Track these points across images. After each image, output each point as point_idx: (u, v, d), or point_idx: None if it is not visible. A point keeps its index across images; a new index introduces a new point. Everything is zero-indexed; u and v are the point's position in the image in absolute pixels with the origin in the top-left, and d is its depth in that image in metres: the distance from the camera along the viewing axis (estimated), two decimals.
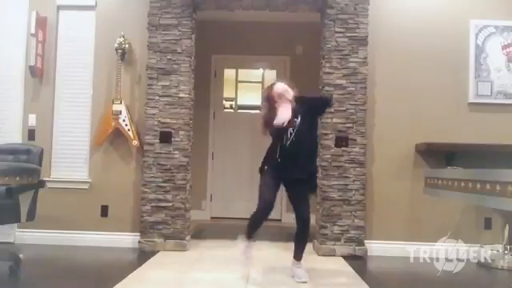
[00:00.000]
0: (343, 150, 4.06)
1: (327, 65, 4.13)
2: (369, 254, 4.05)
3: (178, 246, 4.05)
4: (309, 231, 3.15)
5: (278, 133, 3.06)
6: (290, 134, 3.03)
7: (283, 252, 4.06)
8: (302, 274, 3.13)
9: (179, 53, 4.15)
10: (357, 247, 4.02)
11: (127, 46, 4.22)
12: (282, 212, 5.65)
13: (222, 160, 6.04)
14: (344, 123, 4.08)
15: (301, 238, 3.15)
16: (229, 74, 6.26)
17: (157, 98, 4.14)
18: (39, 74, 4.28)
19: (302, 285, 3.06)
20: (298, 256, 3.17)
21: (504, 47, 4.26)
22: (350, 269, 3.58)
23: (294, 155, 3.04)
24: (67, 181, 4.28)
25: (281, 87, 3.12)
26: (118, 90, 4.20)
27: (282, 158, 3.06)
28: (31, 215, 3.46)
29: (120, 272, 3.23)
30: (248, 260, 3.13)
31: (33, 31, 4.18)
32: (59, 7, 4.38)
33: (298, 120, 3.04)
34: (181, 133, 4.12)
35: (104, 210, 4.24)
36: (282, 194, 5.51)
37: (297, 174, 3.08)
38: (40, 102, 4.32)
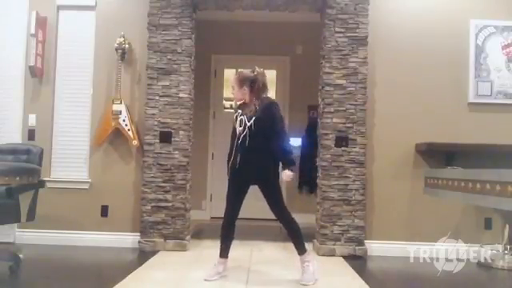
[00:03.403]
0: (343, 150, 4.06)
1: (327, 65, 4.13)
2: (369, 254, 4.05)
3: (178, 246, 4.05)
4: (293, 224, 3.12)
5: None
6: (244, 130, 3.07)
7: (283, 252, 4.06)
8: (308, 277, 3.07)
9: (179, 53, 4.15)
10: (357, 247, 4.02)
11: (127, 45, 4.22)
12: None
13: (222, 160, 5.99)
14: (344, 123, 4.08)
15: (290, 233, 3.14)
16: (229, 74, 6.25)
17: (157, 98, 4.14)
18: (39, 74, 4.28)
19: (303, 286, 3.05)
20: (298, 251, 3.14)
21: (504, 47, 4.26)
22: (350, 269, 3.58)
23: (247, 154, 3.07)
24: (67, 181, 4.28)
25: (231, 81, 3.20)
26: (118, 90, 4.20)
27: (236, 157, 3.09)
28: (31, 215, 3.46)
29: (120, 272, 3.23)
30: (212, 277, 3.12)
31: (33, 31, 4.18)
32: (59, 7, 4.38)
33: (252, 120, 3.05)
34: (181, 133, 4.13)
35: (104, 210, 4.24)
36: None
37: (251, 175, 3.10)
38: (40, 101, 4.32)
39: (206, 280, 3.09)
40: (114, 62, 4.24)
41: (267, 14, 4.55)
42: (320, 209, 4.12)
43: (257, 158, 3.06)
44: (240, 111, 3.15)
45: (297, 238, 3.14)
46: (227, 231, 3.19)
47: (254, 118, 3.04)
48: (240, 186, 3.16)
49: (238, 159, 3.09)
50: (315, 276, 3.09)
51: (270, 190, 3.12)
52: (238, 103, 3.22)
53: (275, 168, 3.13)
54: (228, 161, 3.20)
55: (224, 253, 3.21)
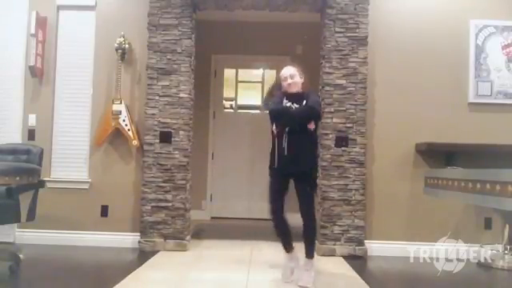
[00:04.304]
0: (343, 150, 4.07)
1: (327, 65, 4.13)
2: (369, 254, 4.05)
3: (178, 246, 4.06)
4: (312, 227, 3.13)
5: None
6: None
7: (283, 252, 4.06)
8: (306, 279, 3.06)
9: (179, 53, 4.15)
10: (357, 247, 4.02)
11: (127, 46, 4.22)
12: None
13: (222, 160, 6.04)
14: (344, 123, 4.08)
15: (305, 233, 3.12)
16: (229, 74, 6.27)
17: (157, 98, 4.14)
18: (39, 74, 4.28)
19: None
20: (306, 253, 3.13)
21: (504, 47, 4.26)
22: (350, 269, 3.58)
23: (290, 147, 3.05)
24: (67, 181, 4.28)
25: (287, 72, 3.17)
26: (118, 90, 4.20)
27: (281, 151, 3.07)
28: (31, 215, 3.46)
29: (120, 272, 3.23)
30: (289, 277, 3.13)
31: (33, 31, 4.18)
32: (59, 7, 4.38)
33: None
34: (181, 133, 4.13)
35: (104, 210, 4.24)
36: None
37: (291, 169, 3.08)
38: (40, 101, 4.33)
39: (285, 282, 3.09)
40: (114, 62, 4.25)
41: (267, 14, 4.55)
42: (320, 209, 4.12)
43: (304, 149, 3.08)
44: (286, 99, 3.13)
45: (312, 240, 3.15)
46: (280, 226, 3.15)
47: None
48: (284, 180, 3.16)
49: (286, 150, 3.06)
50: (312, 283, 3.07)
51: (307, 184, 3.13)
52: (291, 92, 3.15)
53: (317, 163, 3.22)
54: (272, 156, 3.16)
55: (288, 247, 3.18)
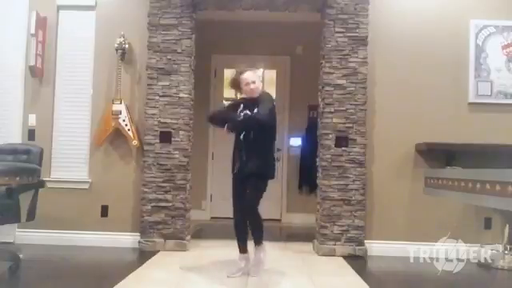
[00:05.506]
0: (343, 150, 4.07)
1: (327, 65, 4.13)
2: (369, 254, 4.05)
3: (178, 245, 4.06)
4: (252, 218, 3.21)
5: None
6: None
7: (283, 252, 4.06)
8: (258, 270, 3.22)
9: (179, 53, 4.15)
10: (357, 247, 4.02)
11: (127, 46, 4.22)
12: (282, 212, 5.64)
13: (222, 160, 6.00)
14: (344, 123, 4.08)
15: (256, 226, 3.22)
16: (229, 74, 6.25)
17: (157, 97, 4.14)
18: (39, 74, 4.28)
19: (303, 285, 3.05)
20: (257, 241, 3.26)
21: (504, 47, 4.26)
22: (350, 269, 3.58)
23: (245, 149, 3.19)
24: (67, 181, 4.27)
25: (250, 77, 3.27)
26: (118, 90, 4.20)
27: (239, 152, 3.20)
28: (31, 215, 3.45)
29: (120, 272, 3.23)
30: (234, 273, 3.19)
31: (33, 31, 4.18)
32: (59, 7, 4.38)
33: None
34: (181, 133, 4.13)
35: (104, 210, 4.24)
36: (281, 194, 5.55)
37: (247, 169, 3.19)
38: (40, 101, 4.32)
39: (228, 277, 3.14)
40: (114, 62, 4.25)
41: (267, 14, 4.55)
42: (320, 209, 4.12)
43: (258, 153, 3.18)
44: (242, 105, 3.27)
45: (261, 230, 3.25)
46: (242, 227, 3.27)
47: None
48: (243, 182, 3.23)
49: (244, 155, 3.19)
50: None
51: (255, 184, 3.20)
52: (248, 97, 3.29)
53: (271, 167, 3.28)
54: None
55: (243, 247, 3.29)
